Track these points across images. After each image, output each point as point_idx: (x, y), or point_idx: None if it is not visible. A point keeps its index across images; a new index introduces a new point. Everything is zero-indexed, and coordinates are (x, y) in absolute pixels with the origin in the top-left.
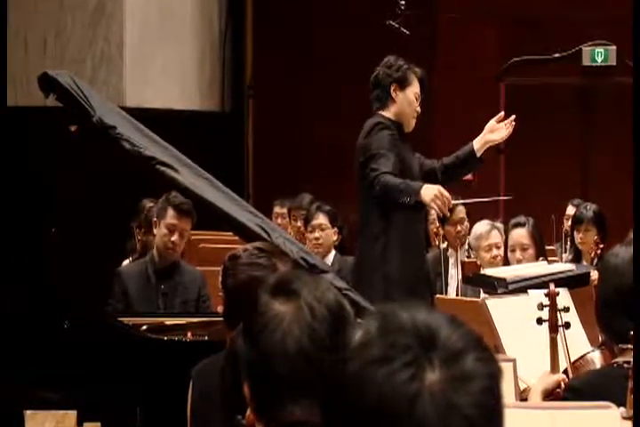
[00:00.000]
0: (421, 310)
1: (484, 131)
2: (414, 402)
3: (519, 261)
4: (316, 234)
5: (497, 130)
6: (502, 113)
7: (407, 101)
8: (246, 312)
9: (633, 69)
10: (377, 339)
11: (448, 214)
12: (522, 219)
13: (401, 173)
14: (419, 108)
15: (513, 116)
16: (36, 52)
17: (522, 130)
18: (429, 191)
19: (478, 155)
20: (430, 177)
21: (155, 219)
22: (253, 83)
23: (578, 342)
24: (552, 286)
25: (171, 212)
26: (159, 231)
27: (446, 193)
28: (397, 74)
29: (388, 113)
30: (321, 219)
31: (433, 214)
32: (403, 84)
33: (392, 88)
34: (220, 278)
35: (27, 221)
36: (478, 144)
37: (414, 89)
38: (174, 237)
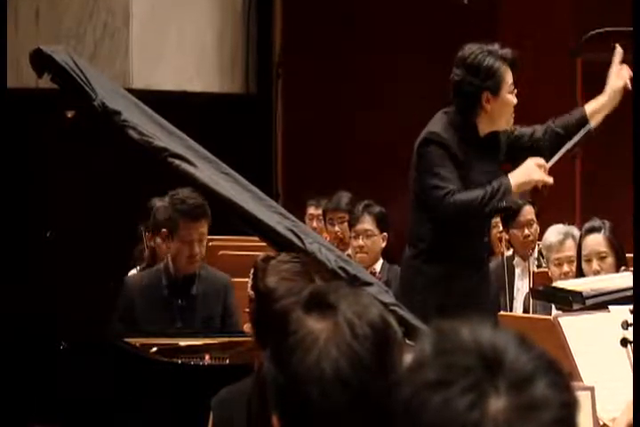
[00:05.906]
0: (485, 327)
1: (610, 77)
2: None
3: (596, 273)
4: (360, 242)
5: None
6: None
7: (503, 105)
8: (276, 323)
9: (633, 69)
10: (433, 360)
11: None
12: (597, 223)
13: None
14: (515, 100)
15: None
16: (26, 26)
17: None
18: (524, 171)
19: (593, 124)
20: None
21: (164, 229)
22: (283, 60)
23: None
24: None
25: (182, 222)
26: (174, 245)
27: (542, 160)
28: (488, 81)
29: (472, 119)
30: (367, 223)
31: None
32: (496, 87)
33: (484, 98)
34: (250, 282)
35: (17, 223)
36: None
37: (507, 82)
38: (195, 249)
